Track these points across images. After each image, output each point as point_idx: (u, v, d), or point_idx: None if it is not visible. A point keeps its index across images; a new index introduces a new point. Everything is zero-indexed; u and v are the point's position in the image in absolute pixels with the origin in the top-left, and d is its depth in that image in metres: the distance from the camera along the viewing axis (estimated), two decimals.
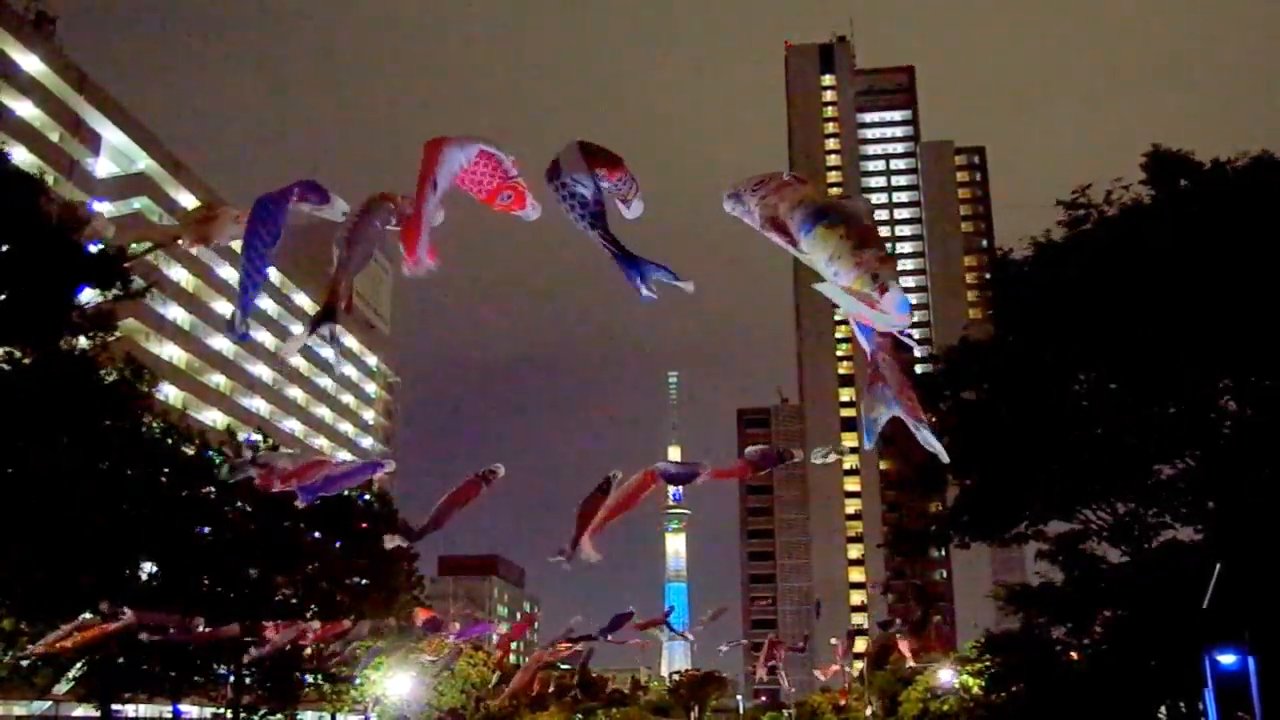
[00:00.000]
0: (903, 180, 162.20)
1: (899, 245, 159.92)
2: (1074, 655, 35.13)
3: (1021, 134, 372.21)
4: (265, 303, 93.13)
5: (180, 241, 7.52)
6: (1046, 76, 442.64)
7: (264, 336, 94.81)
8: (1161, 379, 28.04)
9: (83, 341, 26.10)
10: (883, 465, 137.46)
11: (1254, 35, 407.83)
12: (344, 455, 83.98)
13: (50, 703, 42.03)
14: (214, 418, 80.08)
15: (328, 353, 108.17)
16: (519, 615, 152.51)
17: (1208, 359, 27.45)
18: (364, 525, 46.61)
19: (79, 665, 33.47)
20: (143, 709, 44.78)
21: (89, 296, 25.17)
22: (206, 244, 7.95)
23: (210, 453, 39.50)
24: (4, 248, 23.07)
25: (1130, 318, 27.00)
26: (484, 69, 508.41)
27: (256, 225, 7.29)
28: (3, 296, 23.03)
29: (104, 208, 72.91)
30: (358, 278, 7.53)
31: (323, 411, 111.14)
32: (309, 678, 45.35)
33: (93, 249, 23.91)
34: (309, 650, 36.73)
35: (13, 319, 23.20)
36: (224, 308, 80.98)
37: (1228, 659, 24.05)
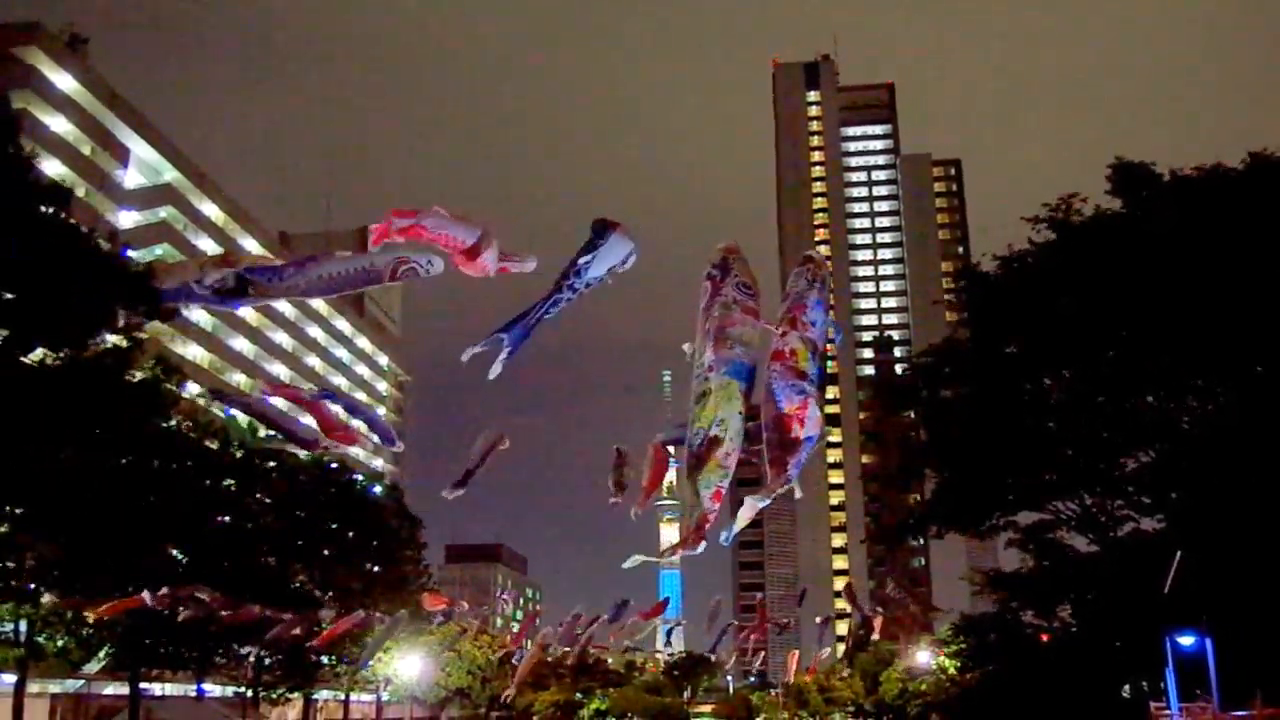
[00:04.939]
0: (883, 190, 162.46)
1: (880, 251, 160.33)
2: (1044, 637, 35.31)
3: (996, 146, 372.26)
4: (283, 305, 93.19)
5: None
6: (1020, 91, 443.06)
7: (281, 338, 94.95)
8: (1127, 380, 28.18)
9: (111, 341, 26.14)
10: (864, 459, 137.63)
11: (1231, 51, 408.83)
12: (354, 451, 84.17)
13: (83, 681, 42.07)
14: (233, 413, 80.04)
15: (342, 353, 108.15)
16: (521, 601, 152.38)
17: (1171, 360, 27.58)
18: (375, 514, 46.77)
19: (109, 646, 33.51)
20: (169, 687, 44.80)
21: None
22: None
23: (231, 446, 39.71)
24: (36, 255, 23.09)
25: (1098, 322, 27.14)
26: (482, 87, 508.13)
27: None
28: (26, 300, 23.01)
29: (132, 217, 72.99)
30: None
31: (336, 409, 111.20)
32: (324, 659, 45.49)
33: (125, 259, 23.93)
34: (325, 634, 36.81)
35: (45, 321, 23.20)
36: (243, 311, 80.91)
37: (1187, 640, 24.24)
